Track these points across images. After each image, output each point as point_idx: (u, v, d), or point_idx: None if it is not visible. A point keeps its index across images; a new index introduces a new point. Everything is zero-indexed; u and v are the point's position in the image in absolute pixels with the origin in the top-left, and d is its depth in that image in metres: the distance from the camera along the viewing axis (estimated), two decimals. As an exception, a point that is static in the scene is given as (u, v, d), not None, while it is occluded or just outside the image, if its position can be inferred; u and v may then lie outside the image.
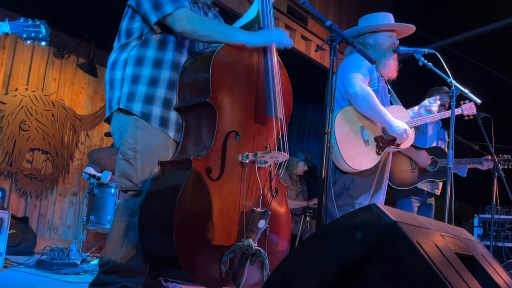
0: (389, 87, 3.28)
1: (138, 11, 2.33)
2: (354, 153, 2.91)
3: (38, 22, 2.60)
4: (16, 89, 5.62)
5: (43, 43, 2.62)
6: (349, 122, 2.96)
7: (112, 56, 2.38)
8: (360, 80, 2.95)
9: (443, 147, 4.44)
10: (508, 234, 5.19)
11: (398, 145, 3.06)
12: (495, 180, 4.09)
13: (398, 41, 3.22)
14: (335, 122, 2.88)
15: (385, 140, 3.02)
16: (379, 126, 3.03)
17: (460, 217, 7.55)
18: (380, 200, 3.11)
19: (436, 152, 4.25)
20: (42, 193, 5.80)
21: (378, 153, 2.98)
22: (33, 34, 2.58)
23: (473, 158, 4.27)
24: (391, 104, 3.27)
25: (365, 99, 2.93)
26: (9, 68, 5.59)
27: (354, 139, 2.94)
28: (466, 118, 3.57)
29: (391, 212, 1.22)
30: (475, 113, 3.59)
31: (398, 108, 3.18)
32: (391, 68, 3.17)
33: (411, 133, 3.11)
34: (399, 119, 3.08)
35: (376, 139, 2.99)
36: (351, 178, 3.00)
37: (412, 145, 4.26)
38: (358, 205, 2.97)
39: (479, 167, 4.25)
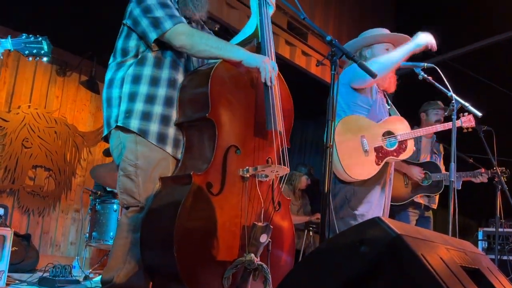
0: (388, 99, 3.28)
1: (135, 30, 2.35)
2: (354, 162, 2.90)
3: (40, 38, 2.61)
4: (19, 107, 5.64)
5: (45, 59, 2.62)
6: (349, 132, 2.96)
7: (109, 74, 2.40)
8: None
9: (437, 161, 4.45)
10: (512, 247, 5.16)
11: (397, 155, 3.05)
12: (499, 193, 4.08)
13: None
14: (336, 131, 2.88)
15: (385, 150, 3.01)
16: (379, 136, 3.02)
17: (464, 231, 7.50)
18: (382, 212, 3.09)
19: (429, 167, 4.27)
20: (44, 210, 5.78)
21: (377, 164, 2.97)
22: (35, 51, 2.59)
23: (467, 171, 4.28)
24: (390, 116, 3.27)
25: (379, 61, 2.95)
26: (11, 86, 5.62)
27: (354, 149, 2.94)
28: (465, 130, 3.60)
29: (395, 226, 1.22)
30: (474, 125, 3.62)
31: (398, 118, 3.18)
32: (387, 80, 3.18)
33: (411, 145, 3.10)
34: (400, 130, 3.08)
35: (376, 149, 2.99)
36: (352, 190, 2.99)
37: (404, 160, 4.28)
38: (360, 216, 2.95)
39: (473, 180, 4.26)
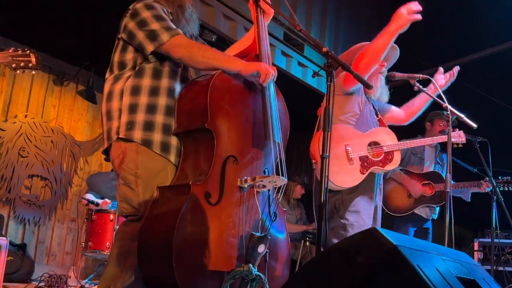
0: (377, 111, 3.28)
1: (130, 43, 2.36)
2: (338, 170, 2.90)
3: (28, 52, 2.59)
4: (16, 116, 5.64)
5: (34, 72, 2.62)
6: (334, 140, 2.96)
7: (107, 88, 2.40)
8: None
9: (441, 170, 4.46)
10: (508, 258, 5.16)
11: (383, 166, 3.05)
12: (494, 204, 4.10)
13: (385, 64, 3.23)
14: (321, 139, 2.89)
15: (370, 160, 3.02)
16: (365, 145, 3.03)
17: (460, 242, 7.51)
18: (375, 224, 3.09)
19: (433, 177, 4.27)
20: (40, 219, 5.76)
21: (362, 173, 2.97)
22: (22, 64, 2.57)
23: (472, 181, 4.29)
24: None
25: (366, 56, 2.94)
26: (8, 95, 5.62)
27: (339, 157, 2.94)
28: (456, 146, 3.62)
29: (392, 236, 1.23)
30: (464, 141, 3.62)
31: (385, 130, 3.18)
32: (378, 90, 3.20)
33: (397, 156, 3.09)
34: (387, 141, 3.08)
35: (360, 158, 3.00)
36: (341, 199, 2.99)
37: (408, 171, 4.29)
38: (350, 226, 2.94)
39: (477, 189, 4.27)
